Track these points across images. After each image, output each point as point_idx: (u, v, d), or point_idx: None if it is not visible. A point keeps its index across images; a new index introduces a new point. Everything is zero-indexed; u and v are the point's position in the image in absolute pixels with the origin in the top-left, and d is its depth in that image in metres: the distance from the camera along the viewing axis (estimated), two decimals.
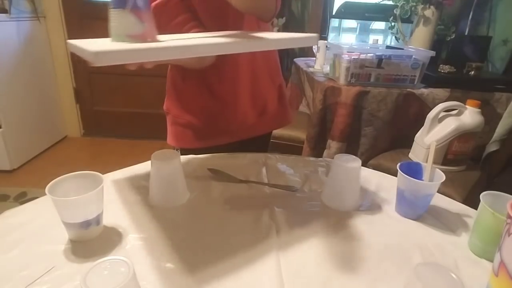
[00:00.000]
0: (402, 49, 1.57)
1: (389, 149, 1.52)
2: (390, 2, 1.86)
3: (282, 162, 0.83)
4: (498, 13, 1.87)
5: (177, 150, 0.89)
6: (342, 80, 1.48)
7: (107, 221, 0.56)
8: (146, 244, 0.53)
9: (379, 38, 2.49)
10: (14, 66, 2.18)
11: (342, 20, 2.47)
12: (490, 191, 0.54)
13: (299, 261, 0.51)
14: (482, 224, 0.53)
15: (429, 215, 0.63)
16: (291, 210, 0.63)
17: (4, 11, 2.09)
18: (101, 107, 2.75)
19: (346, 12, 2.12)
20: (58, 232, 0.53)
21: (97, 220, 0.53)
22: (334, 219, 0.61)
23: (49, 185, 0.50)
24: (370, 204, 0.67)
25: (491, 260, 0.46)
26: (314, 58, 1.88)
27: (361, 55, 1.46)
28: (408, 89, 1.47)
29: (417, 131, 1.35)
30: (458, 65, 1.65)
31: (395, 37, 1.98)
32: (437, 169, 0.62)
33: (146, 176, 0.71)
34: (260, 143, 0.99)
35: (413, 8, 1.73)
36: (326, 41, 1.79)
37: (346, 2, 2.11)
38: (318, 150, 1.55)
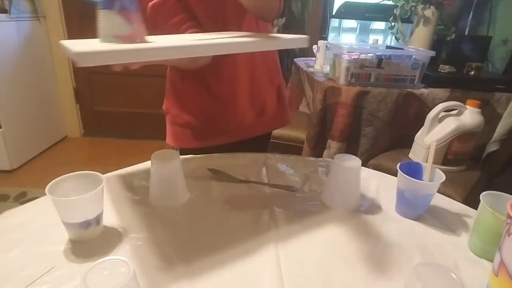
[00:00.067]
0: (402, 49, 1.57)
1: (389, 149, 1.52)
2: (390, 2, 1.86)
3: (282, 162, 0.83)
4: (498, 13, 1.87)
5: (176, 150, 0.90)
6: (342, 80, 1.48)
7: (107, 221, 0.56)
8: (146, 244, 0.53)
9: (379, 38, 2.49)
10: (14, 66, 2.18)
11: (342, 20, 2.47)
12: (490, 191, 0.54)
13: (299, 261, 0.51)
14: (482, 224, 0.53)
15: (429, 215, 0.63)
16: (291, 210, 0.63)
17: (4, 11, 2.09)
18: (101, 107, 2.75)
19: (346, 12, 2.12)
20: (58, 232, 0.53)
21: (97, 220, 0.53)
22: (334, 219, 0.61)
23: (49, 185, 0.50)
24: (370, 204, 0.67)
25: (491, 260, 0.46)
26: (314, 58, 1.88)
27: (361, 55, 1.46)
28: (408, 89, 1.47)
29: (417, 131, 1.35)
30: (458, 65, 1.65)
31: (395, 37, 1.98)
32: (437, 169, 0.62)
33: (146, 176, 0.71)
34: (260, 143, 0.99)
35: (413, 8, 1.73)
36: (326, 41, 1.79)
37: (346, 2, 2.11)
38: (318, 150, 1.55)
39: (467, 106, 1.26)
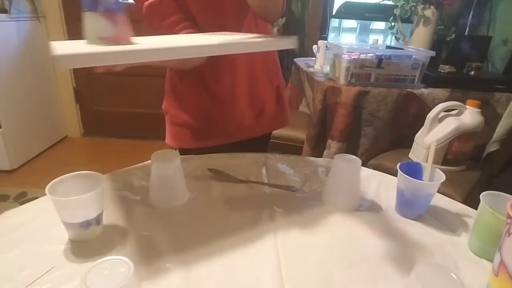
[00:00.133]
0: (402, 49, 1.57)
1: (389, 149, 1.52)
2: (390, 2, 1.86)
3: (282, 162, 0.83)
4: (498, 13, 1.87)
5: (175, 150, 0.90)
6: (342, 80, 1.48)
7: (107, 221, 0.56)
8: (146, 244, 0.53)
9: (379, 38, 2.49)
10: (14, 66, 2.18)
11: (342, 20, 2.47)
12: (490, 191, 0.54)
13: (299, 261, 0.51)
14: (482, 224, 0.53)
15: (429, 215, 0.63)
16: (291, 210, 0.63)
17: (4, 11, 2.09)
18: (101, 107, 2.75)
19: (346, 12, 2.12)
20: (58, 232, 0.53)
21: (97, 220, 0.53)
22: (334, 219, 0.61)
23: (49, 185, 0.50)
24: (370, 204, 0.67)
25: (491, 260, 0.46)
26: (314, 58, 1.88)
27: (361, 55, 1.46)
28: (408, 89, 1.47)
29: (417, 131, 1.35)
30: (458, 65, 1.65)
31: (395, 37, 1.98)
32: (437, 169, 0.62)
33: (146, 176, 0.71)
34: (260, 144, 0.99)
35: (413, 8, 1.73)
36: (326, 41, 1.79)
37: (346, 2, 2.11)
38: (318, 150, 1.55)
39: (467, 106, 1.26)
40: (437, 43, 1.81)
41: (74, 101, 2.72)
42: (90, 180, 0.53)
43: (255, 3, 0.71)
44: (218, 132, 0.89)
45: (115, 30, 0.47)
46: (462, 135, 1.23)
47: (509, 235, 0.41)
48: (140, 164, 0.77)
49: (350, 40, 2.56)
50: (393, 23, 1.90)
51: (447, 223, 0.62)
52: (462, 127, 1.23)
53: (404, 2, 1.74)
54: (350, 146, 1.50)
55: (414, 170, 0.62)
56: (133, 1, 0.77)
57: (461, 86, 1.49)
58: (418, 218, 0.62)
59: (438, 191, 0.62)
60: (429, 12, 1.69)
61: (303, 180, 0.74)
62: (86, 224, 0.51)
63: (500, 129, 1.41)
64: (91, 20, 0.46)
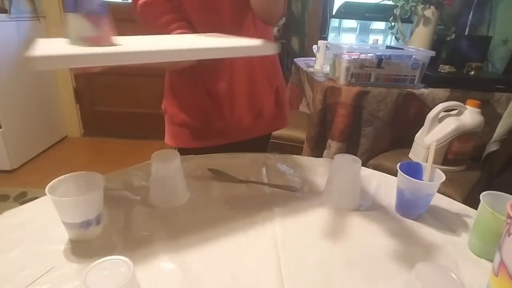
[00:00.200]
0: (402, 49, 1.57)
1: (389, 149, 1.52)
2: (390, 2, 1.86)
3: (282, 162, 0.83)
4: (498, 13, 1.87)
5: (174, 149, 0.90)
6: (342, 80, 1.48)
7: (107, 221, 0.56)
8: (146, 244, 0.53)
9: (379, 38, 2.49)
10: (14, 66, 2.18)
11: (342, 20, 2.47)
12: (490, 191, 0.54)
13: (299, 261, 0.51)
14: (482, 224, 0.53)
15: (429, 215, 0.63)
16: (291, 210, 0.63)
17: (4, 11, 2.09)
18: (101, 107, 2.75)
19: (346, 12, 2.12)
20: (58, 232, 0.53)
21: (97, 220, 0.53)
22: (334, 219, 0.61)
23: (49, 185, 0.50)
24: (370, 204, 0.67)
25: (491, 260, 0.46)
26: (314, 58, 1.88)
27: (361, 55, 1.46)
28: (408, 89, 1.47)
29: (417, 131, 1.35)
30: (458, 65, 1.65)
31: (395, 37, 1.98)
32: (437, 169, 0.62)
33: (146, 176, 0.71)
34: (259, 144, 0.99)
35: (413, 8, 1.73)
36: (326, 41, 1.79)
37: (346, 2, 2.11)
38: (318, 150, 1.55)
39: (467, 106, 1.26)
40: (437, 43, 1.82)
41: (74, 101, 2.72)
42: (90, 180, 0.53)
43: (258, 7, 0.71)
44: (217, 132, 0.89)
45: (95, 32, 0.47)
46: (462, 135, 1.23)
47: (509, 235, 0.41)
48: (140, 164, 0.77)
49: (350, 40, 2.56)
50: (393, 23, 1.90)
51: (447, 223, 0.62)
52: (462, 127, 1.23)
53: (404, 2, 1.74)
54: (350, 146, 1.50)
55: (414, 170, 0.62)
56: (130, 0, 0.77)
57: (461, 86, 1.49)
58: (418, 218, 0.62)
59: (438, 191, 0.62)
60: (429, 12, 1.69)
61: (303, 180, 0.74)
62: (86, 224, 0.51)
63: (500, 129, 1.41)
64: (72, 21, 0.46)
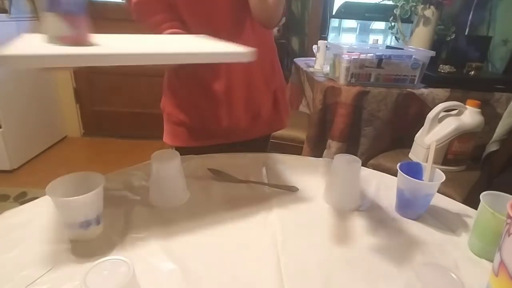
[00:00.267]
0: (402, 49, 1.57)
1: (389, 149, 1.52)
2: (390, 2, 1.86)
3: (282, 162, 0.83)
4: (498, 13, 1.87)
5: (172, 148, 0.89)
6: (342, 80, 1.48)
7: (107, 221, 0.56)
8: (146, 244, 0.53)
9: (379, 38, 2.49)
10: (18, 70, 2.18)
11: (342, 20, 2.47)
12: (490, 191, 0.54)
13: (299, 261, 0.51)
14: (482, 224, 0.53)
15: (429, 215, 0.63)
16: (291, 210, 0.63)
17: (4, 11, 2.09)
18: (101, 107, 2.75)
19: (346, 12, 2.12)
20: (58, 232, 0.53)
21: (97, 220, 0.53)
22: (334, 219, 0.61)
23: (49, 185, 0.50)
24: (370, 204, 0.67)
25: (491, 260, 0.46)
26: (314, 58, 1.88)
27: (361, 55, 1.46)
28: (408, 89, 1.47)
29: (417, 131, 1.35)
30: (458, 65, 1.65)
31: (395, 37, 1.98)
32: (437, 169, 0.62)
33: (146, 176, 0.71)
34: (259, 144, 0.98)
35: (413, 8, 1.73)
36: (326, 41, 1.79)
37: (346, 2, 2.11)
38: (318, 150, 1.55)
39: (467, 106, 1.26)
40: (437, 43, 1.82)
41: (74, 101, 2.72)
42: (90, 180, 0.53)
43: (257, 12, 0.70)
44: (213, 132, 0.89)
45: (73, 32, 0.47)
46: (462, 135, 1.23)
47: (509, 235, 0.41)
48: (140, 164, 0.77)
49: (350, 40, 2.56)
50: (393, 23, 1.90)
51: (447, 223, 0.62)
52: (462, 127, 1.23)
53: (404, 2, 1.74)
54: (350, 146, 1.50)
55: (414, 170, 0.62)
56: None
57: (461, 86, 1.49)
58: (418, 218, 0.62)
59: (438, 191, 0.62)
60: (429, 12, 1.69)
61: (303, 180, 0.74)
62: (86, 224, 0.51)
63: (500, 129, 1.41)
64: (49, 20, 0.47)
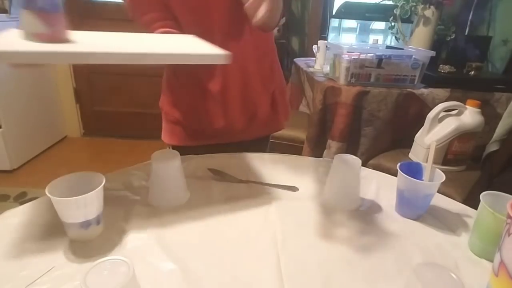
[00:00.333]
0: (402, 49, 1.57)
1: (389, 149, 1.52)
2: (390, 2, 1.86)
3: (282, 162, 0.83)
4: (498, 13, 1.87)
5: (169, 147, 0.90)
6: (342, 80, 1.48)
7: (107, 221, 0.56)
8: (146, 244, 0.53)
9: (379, 38, 2.49)
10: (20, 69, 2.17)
11: (342, 20, 2.47)
12: (490, 191, 0.54)
13: (299, 261, 0.51)
14: (482, 224, 0.53)
15: (429, 215, 0.63)
16: (291, 210, 0.63)
17: (4, 11, 2.09)
18: (101, 107, 2.75)
19: (346, 12, 2.12)
20: (58, 232, 0.53)
21: (97, 220, 0.53)
22: (334, 219, 0.61)
23: (49, 185, 0.50)
24: (370, 204, 0.67)
25: (491, 260, 0.46)
26: (314, 58, 1.88)
27: (361, 55, 1.46)
28: (408, 89, 1.47)
29: (417, 131, 1.35)
30: (458, 65, 1.66)
31: (395, 37, 1.98)
32: (437, 169, 0.62)
33: (146, 176, 0.71)
34: (258, 145, 0.98)
35: (413, 8, 1.73)
36: (326, 41, 1.79)
37: (346, 2, 2.11)
38: (318, 150, 1.55)
39: (467, 106, 1.26)
40: (437, 43, 1.82)
41: (74, 101, 2.72)
42: (90, 180, 0.53)
43: (253, 18, 0.70)
44: (209, 132, 0.88)
45: (46, 29, 0.47)
46: (462, 135, 1.23)
47: (509, 235, 0.41)
48: (140, 164, 0.77)
49: (350, 40, 2.56)
50: (393, 23, 1.90)
51: (447, 223, 0.62)
52: (462, 127, 1.23)
53: (404, 2, 1.74)
54: (350, 146, 1.50)
55: (414, 170, 0.62)
56: None
57: (461, 86, 1.49)
58: (418, 218, 0.62)
59: (438, 191, 0.62)
60: (429, 12, 1.69)
61: (303, 180, 0.74)
62: (86, 224, 0.51)
63: (500, 129, 1.41)
64: (25, 18, 0.47)
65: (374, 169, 0.83)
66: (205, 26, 0.75)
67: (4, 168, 2.15)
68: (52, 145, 2.60)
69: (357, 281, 0.48)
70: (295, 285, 0.46)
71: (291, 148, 1.67)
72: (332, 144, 1.49)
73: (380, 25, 2.46)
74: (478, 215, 0.54)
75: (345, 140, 1.48)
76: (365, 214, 0.63)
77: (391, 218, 0.63)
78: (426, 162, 0.62)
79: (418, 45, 1.75)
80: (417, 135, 1.35)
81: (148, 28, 0.73)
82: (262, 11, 0.64)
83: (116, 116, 2.77)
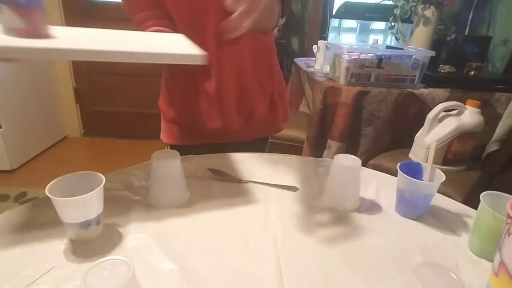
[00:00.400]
0: (402, 49, 1.58)
1: (389, 149, 1.52)
2: (390, 2, 1.86)
3: (282, 162, 0.83)
4: (498, 13, 1.87)
5: (167, 146, 0.90)
6: (342, 80, 1.48)
7: (107, 221, 0.56)
8: (146, 244, 0.53)
9: (379, 38, 2.49)
10: (14, 66, 2.18)
11: (342, 20, 2.48)
12: (490, 191, 0.54)
13: (299, 261, 0.51)
14: (482, 224, 0.53)
15: (429, 215, 0.63)
16: (291, 210, 0.63)
17: None
18: (101, 107, 2.75)
19: (346, 12, 2.12)
20: (58, 232, 0.53)
21: (97, 220, 0.53)
22: (334, 219, 0.61)
23: (49, 185, 0.50)
24: (370, 204, 0.67)
25: (491, 260, 0.46)
26: (314, 58, 1.88)
27: (361, 55, 1.46)
28: (408, 89, 1.47)
29: (417, 131, 1.35)
30: (458, 65, 1.66)
31: (395, 37, 1.98)
32: (437, 169, 0.62)
33: (146, 176, 0.71)
34: (257, 145, 0.98)
35: (413, 8, 1.73)
36: (326, 41, 1.79)
37: (346, 2, 2.11)
38: (318, 150, 1.55)
39: (467, 106, 1.26)
40: (437, 43, 1.82)
41: (74, 101, 2.72)
42: (90, 180, 0.53)
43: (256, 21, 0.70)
44: (205, 132, 0.88)
45: (23, 24, 0.47)
46: (462, 135, 1.23)
47: (509, 235, 0.41)
48: (140, 164, 0.77)
49: (350, 40, 2.56)
50: (393, 23, 1.90)
51: (447, 223, 0.62)
52: (462, 127, 1.23)
53: (404, 2, 1.74)
54: (350, 146, 1.50)
55: (414, 170, 0.62)
56: None
57: (461, 86, 1.49)
58: (418, 218, 0.62)
59: (438, 191, 0.62)
60: (429, 12, 1.69)
61: (303, 180, 0.74)
62: (86, 224, 0.51)
63: (500, 129, 1.41)
64: (4, 12, 0.47)
65: (374, 169, 0.83)
66: (200, 25, 0.74)
67: (4, 168, 2.15)
68: (52, 145, 2.60)
69: (357, 281, 0.48)
70: (295, 285, 0.46)
71: (291, 148, 1.67)
72: (332, 144, 1.49)
73: (380, 25, 2.46)
74: (478, 215, 0.54)
75: (345, 140, 1.48)
76: (365, 214, 0.63)
77: (391, 218, 0.63)
78: (426, 162, 0.62)
79: (418, 45, 1.75)
80: (417, 135, 1.35)
81: (140, 26, 0.73)
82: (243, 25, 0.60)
83: (116, 116, 2.77)
